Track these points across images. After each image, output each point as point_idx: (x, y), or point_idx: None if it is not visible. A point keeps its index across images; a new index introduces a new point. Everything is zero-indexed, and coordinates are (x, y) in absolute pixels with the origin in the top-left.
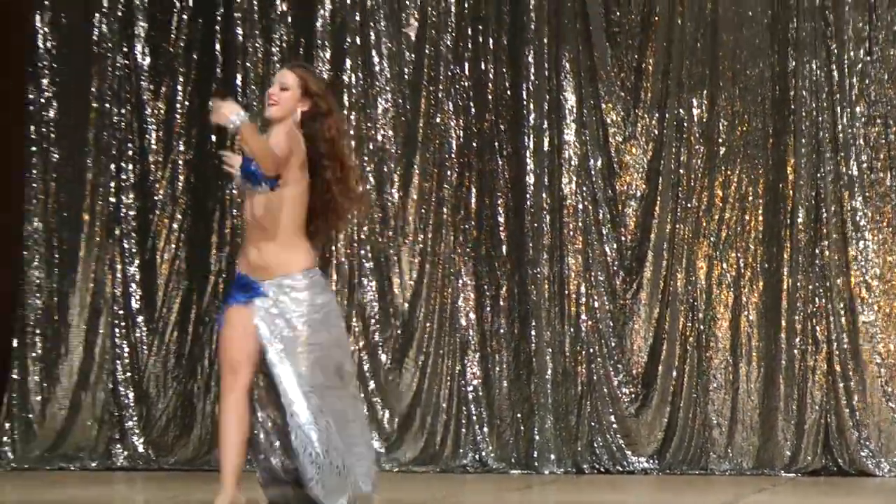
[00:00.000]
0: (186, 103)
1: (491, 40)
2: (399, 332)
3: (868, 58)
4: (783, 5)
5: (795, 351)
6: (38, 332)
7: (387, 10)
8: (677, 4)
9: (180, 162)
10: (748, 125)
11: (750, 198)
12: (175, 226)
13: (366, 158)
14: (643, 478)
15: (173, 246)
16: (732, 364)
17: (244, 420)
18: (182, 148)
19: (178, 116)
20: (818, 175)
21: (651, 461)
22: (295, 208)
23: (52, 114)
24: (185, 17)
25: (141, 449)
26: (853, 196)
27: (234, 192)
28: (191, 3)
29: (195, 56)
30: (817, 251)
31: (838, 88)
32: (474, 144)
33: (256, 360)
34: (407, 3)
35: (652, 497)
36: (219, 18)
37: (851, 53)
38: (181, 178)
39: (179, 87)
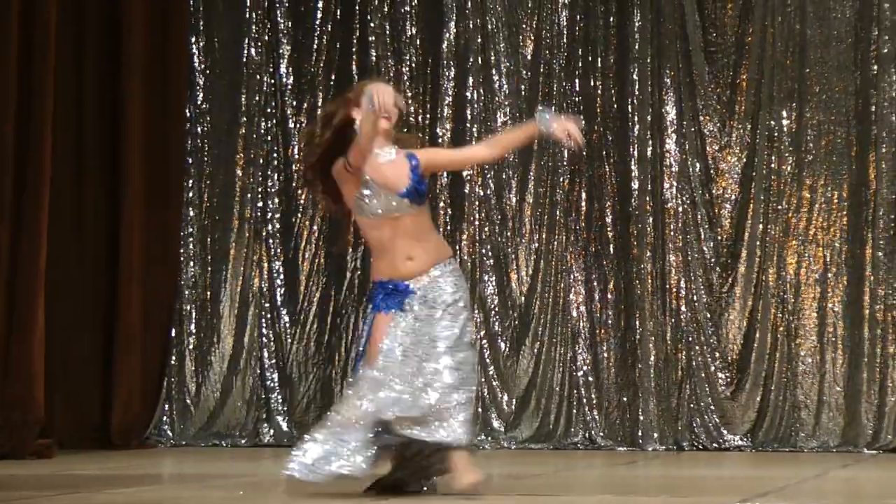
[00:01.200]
0: None
1: (599, 59)
2: (516, 322)
3: None
4: (865, 25)
5: (877, 339)
6: (193, 322)
7: (506, 33)
8: (769, 26)
9: None
10: (833, 135)
11: (835, 201)
12: (315, 227)
13: (486, 167)
14: (738, 454)
15: (313, 246)
16: (819, 351)
17: None
18: None
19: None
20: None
21: (745, 439)
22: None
23: (206, 126)
24: (325, 39)
25: (285, 428)
26: None
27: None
28: (330, 28)
29: (333, 75)
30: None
31: None
32: (584, 153)
33: None
34: (524, 26)
35: (746, 472)
36: (355, 41)
37: None
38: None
39: (319, 103)
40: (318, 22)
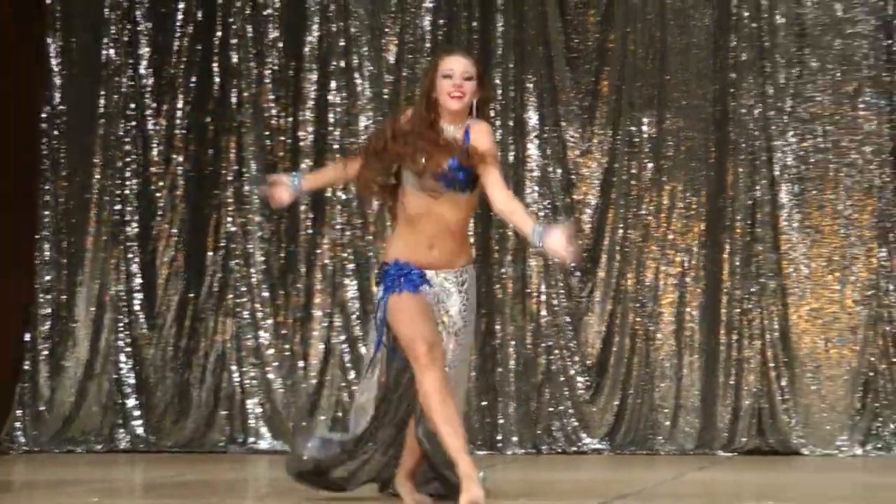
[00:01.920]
0: (186, 120)
1: None
2: None
3: (799, 80)
4: (724, 32)
5: (732, 343)
6: (48, 326)
7: (368, 37)
8: (630, 33)
9: (179, 172)
10: (692, 141)
11: (693, 206)
12: (174, 231)
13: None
14: (596, 457)
15: (172, 250)
16: (677, 355)
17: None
18: (181, 160)
19: (177, 132)
20: (753, 185)
21: (603, 442)
22: (474, 207)
23: (63, 128)
24: (185, 41)
25: (141, 433)
26: (783, 204)
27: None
28: (191, 30)
29: (194, 77)
30: (752, 253)
31: (773, 107)
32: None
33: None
34: (387, 30)
35: (604, 474)
36: (216, 43)
37: (783, 76)
38: (180, 187)
39: (179, 105)
40: (178, 23)
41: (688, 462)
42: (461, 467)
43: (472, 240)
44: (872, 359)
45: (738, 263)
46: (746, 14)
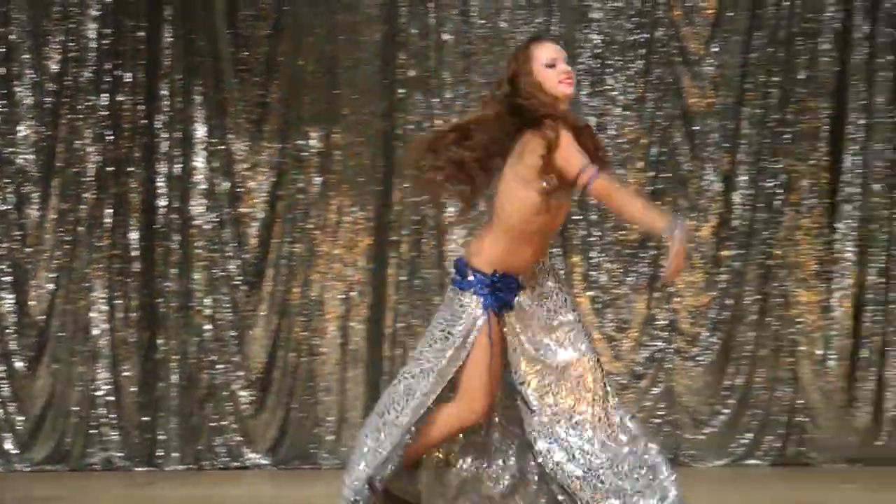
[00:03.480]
0: None
1: (128, 74)
2: (34, 340)
3: (466, 98)
4: (391, 49)
5: (397, 357)
6: None
7: (30, 44)
8: (300, 46)
9: None
10: (360, 156)
11: (360, 221)
12: None
13: (7, 180)
14: (259, 472)
15: None
16: (341, 369)
17: None
18: None
19: None
20: (419, 202)
21: (266, 457)
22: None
23: None
24: None
25: None
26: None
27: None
28: None
29: None
30: (416, 269)
31: (439, 124)
32: (110, 169)
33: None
34: (49, 38)
35: (264, 489)
36: None
37: (449, 94)
38: None
39: None
40: None
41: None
42: None
43: (135, 252)
44: None
45: (403, 279)
46: (415, 31)
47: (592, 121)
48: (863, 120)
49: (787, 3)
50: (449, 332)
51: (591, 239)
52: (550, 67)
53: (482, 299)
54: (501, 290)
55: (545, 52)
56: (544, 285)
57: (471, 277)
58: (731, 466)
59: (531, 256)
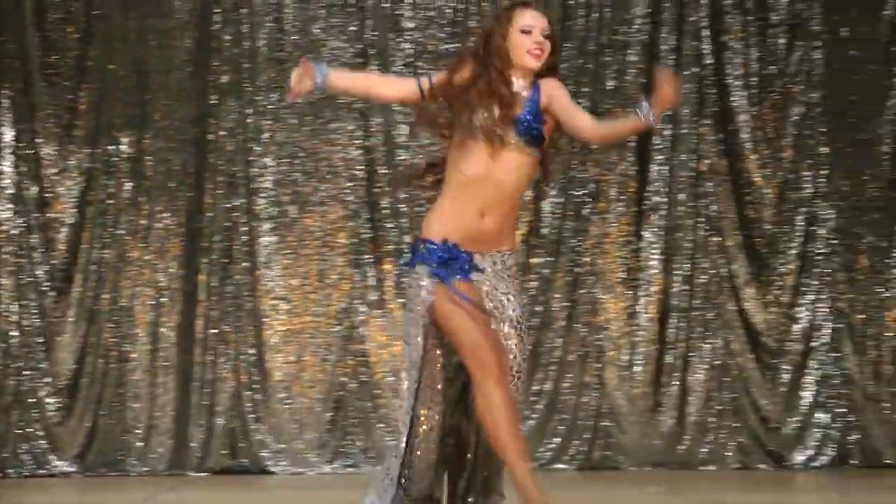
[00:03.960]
0: None
1: None
2: None
3: (279, 104)
4: (205, 55)
5: (208, 363)
6: None
7: None
8: (111, 50)
9: None
10: (172, 162)
11: (171, 227)
12: None
13: None
14: (66, 480)
15: None
16: (151, 375)
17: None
18: None
19: None
20: (231, 207)
21: (73, 464)
22: (531, 178)
23: None
24: None
25: None
26: (261, 226)
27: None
28: None
29: None
30: (228, 274)
31: (253, 130)
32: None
33: None
34: None
35: (72, 498)
36: None
37: (263, 100)
38: None
39: None
40: None
41: (159, 483)
42: (533, 493)
43: None
44: (343, 378)
45: (214, 284)
46: (228, 38)
47: (404, 128)
48: (668, 131)
49: (596, 16)
50: (412, 316)
51: (403, 246)
52: (525, 34)
53: (428, 268)
54: (454, 261)
55: (525, 18)
56: (499, 286)
57: (422, 251)
58: (538, 471)
59: (478, 217)
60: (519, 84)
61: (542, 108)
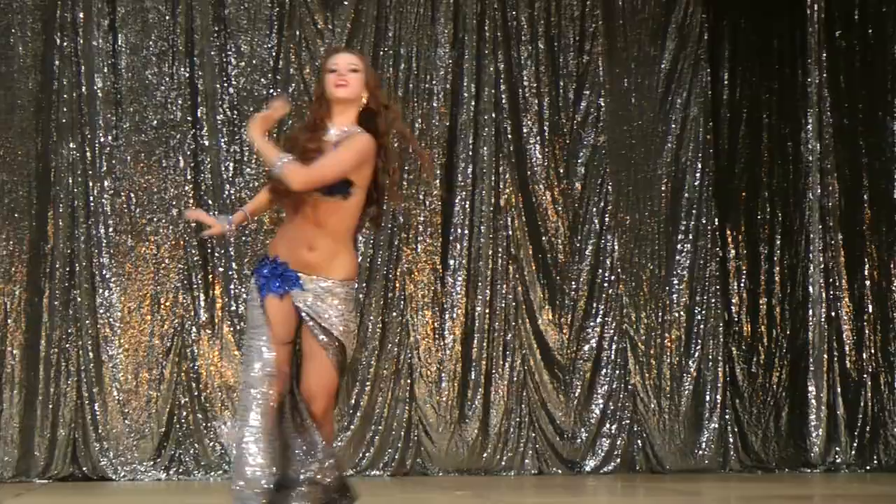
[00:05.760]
0: None
1: None
2: None
3: (115, 142)
4: (47, 95)
5: (51, 379)
6: None
7: None
8: None
9: None
10: (16, 193)
11: (16, 254)
12: None
13: None
14: None
15: None
16: None
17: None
18: None
19: None
20: (74, 236)
21: None
22: (357, 213)
23: None
24: None
25: None
26: (101, 254)
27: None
28: None
29: None
30: (70, 298)
31: (91, 166)
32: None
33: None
34: None
35: None
36: None
37: (101, 139)
38: None
39: None
40: None
41: (6, 489)
42: None
43: None
44: (177, 392)
45: (57, 305)
46: (66, 82)
47: (231, 166)
48: (470, 169)
49: (404, 66)
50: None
51: (231, 272)
52: (331, 73)
53: (255, 279)
54: (275, 275)
55: (331, 60)
56: (325, 300)
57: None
58: (356, 476)
59: (286, 239)
60: (332, 133)
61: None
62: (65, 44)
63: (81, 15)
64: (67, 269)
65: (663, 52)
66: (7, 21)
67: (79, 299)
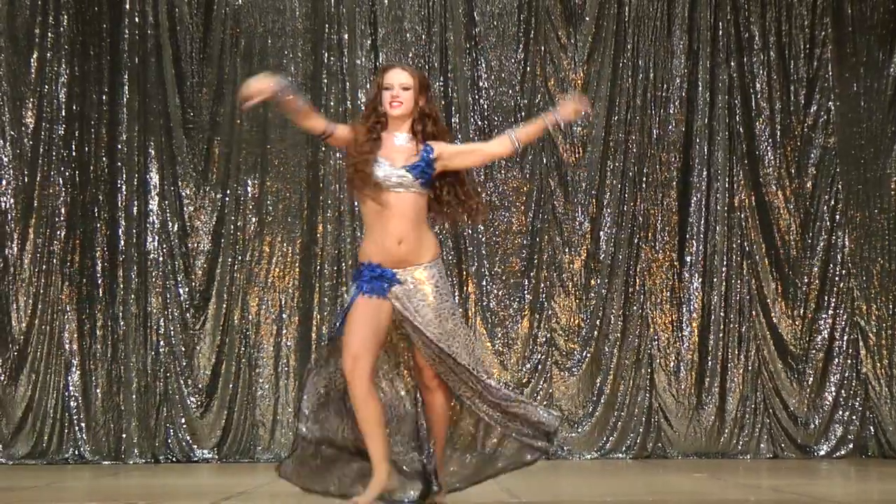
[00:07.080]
0: None
1: (93, 130)
2: (15, 354)
3: None
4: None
5: None
6: None
7: (10, 105)
8: (237, 109)
9: None
10: (289, 200)
11: (290, 254)
12: None
13: None
14: (206, 465)
15: None
16: (275, 378)
17: (379, 405)
18: None
19: None
20: (340, 238)
21: (212, 453)
22: (426, 207)
23: None
24: None
25: None
26: None
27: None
28: None
29: None
30: (337, 294)
31: None
32: (79, 212)
33: (377, 347)
34: (26, 101)
35: (213, 480)
36: None
37: None
38: None
39: None
40: None
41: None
42: (378, 476)
43: (100, 280)
44: None
45: (326, 302)
46: (333, 98)
47: (482, 171)
48: (705, 172)
49: (642, 76)
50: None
51: (483, 270)
52: (385, 90)
53: (356, 285)
54: (375, 278)
55: (386, 78)
56: (420, 290)
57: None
58: (599, 459)
59: (379, 243)
60: (400, 137)
61: (435, 157)
62: (331, 62)
63: (346, 36)
64: (335, 267)
65: (891, 58)
66: (281, 43)
67: (346, 296)
